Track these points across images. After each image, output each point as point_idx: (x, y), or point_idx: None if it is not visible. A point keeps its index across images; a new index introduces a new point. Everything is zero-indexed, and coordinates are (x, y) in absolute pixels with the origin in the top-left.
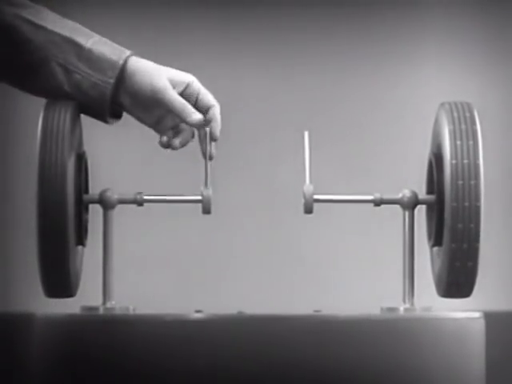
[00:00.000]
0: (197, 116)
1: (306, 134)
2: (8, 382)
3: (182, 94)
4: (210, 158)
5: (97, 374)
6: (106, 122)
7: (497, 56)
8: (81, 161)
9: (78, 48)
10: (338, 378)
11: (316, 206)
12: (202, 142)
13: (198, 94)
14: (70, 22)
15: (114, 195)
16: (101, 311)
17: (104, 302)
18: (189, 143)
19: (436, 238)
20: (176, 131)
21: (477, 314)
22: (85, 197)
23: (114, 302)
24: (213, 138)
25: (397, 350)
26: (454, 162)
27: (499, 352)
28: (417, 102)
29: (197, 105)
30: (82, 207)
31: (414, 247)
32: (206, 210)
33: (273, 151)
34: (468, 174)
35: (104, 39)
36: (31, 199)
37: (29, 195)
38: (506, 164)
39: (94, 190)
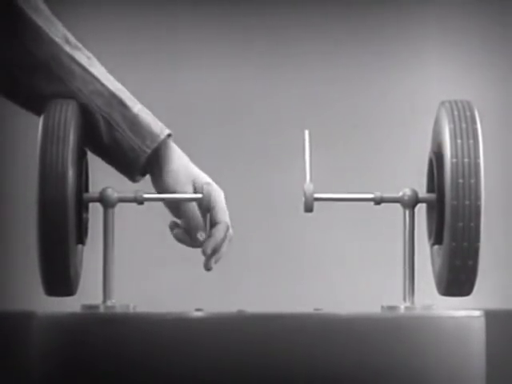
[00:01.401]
0: (201, 236)
1: (307, 132)
2: (8, 381)
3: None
4: (207, 269)
5: (97, 372)
6: (132, 181)
7: (497, 55)
8: (81, 160)
9: (124, 109)
10: (338, 376)
11: (316, 204)
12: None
13: (213, 208)
14: (114, 80)
15: (114, 194)
16: (101, 310)
17: (104, 301)
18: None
19: (436, 237)
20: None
21: (477, 313)
22: (85, 195)
23: (114, 301)
24: (203, 253)
25: (397, 349)
26: (454, 160)
27: (499, 351)
28: (417, 101)
29: (210, 216)
30: (82, 206)
31: (414, 246)
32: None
33: (273, 150)
34: (468, 173)
35: (146, 110)
36: (31, 198)
37: (29, 194)
38: (506, 163)
39: (94, 188)
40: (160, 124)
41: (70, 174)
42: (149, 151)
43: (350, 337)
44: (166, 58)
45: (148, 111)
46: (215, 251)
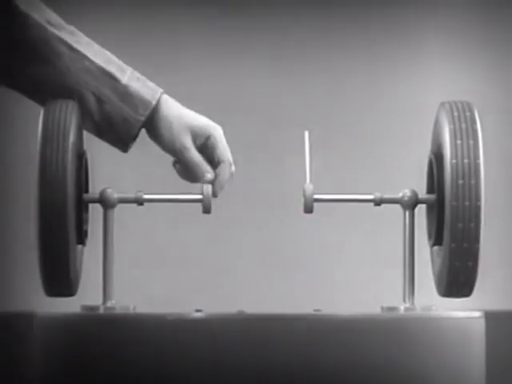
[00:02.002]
0: (207, 177)
1: (307, 133)
2: (8, 381)
3: (202, 144)
4: (214, 195)
5: (97, 373)
6: (124, 151)
7: (497, 55)
8: (81, 160)
9: (113, 81)
10: (338, 377)
11: (316, 205)
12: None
13: (215, 148)
14: (102, 50)
15: (114, 194)
16: (101, 310)
17: (104, 302)
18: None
19: (436, 238)
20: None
21: (477, 314)
22: (85, 196)
23: (114, 302)
24: (213, 195)
25: (397, 350)
26: (454, 161)
27: (499, 352)
28: (417, 102)
29: (213, 155)
30: (82, 206)
31: (414, 247)
32: (207, 210)
33: (273, 151)
34: (468, 174)
35: (136, 74)
36: (32, 198)
37: (29, 194)
38: (506, 163)
39: (94, 189)
40: (151, 87)
41: (70, 174)
42: (142, 119)
43: (349, 337)
44: (166, 57)
45: (138, 75)
46: (222, 189)
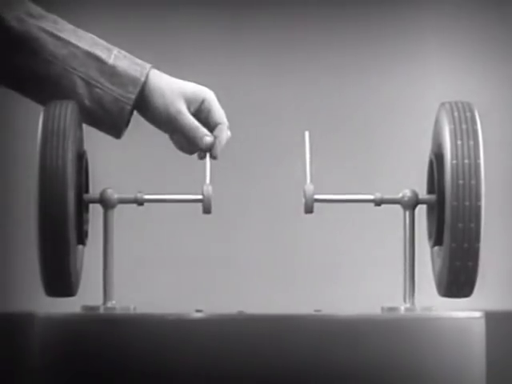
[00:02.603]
0: (206, 140)
1: (307, 133)
2: (9, 381)
3: (196, 110)
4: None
5: (97, 373)
6: (118, 137)
7: (498, 56)
8: (81, 161)
9: (100, 63)
10: (338, 377)
11: (316, 205)
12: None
13: (209, 111)
14: (87, 35)
15: (114, 195)
16: (101, 311)
17: (104, 302)
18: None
19: (436, 238)
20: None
21: (477, 314)
22: (85, 196)
23: (114, 302)
24: (212, 157)
25: (397, 350)
26: (454, 161)
27: (499, 352)
28: (417, 102)
29: (208, 119)
30: (82, 207)
31: (414, 247)
32: (207, 210)
33: (273, 151)
34: (469, 174)
35: (123, 52)
36: (31, 199)
37: (29, 194)
38: (506, 164)
39: (94, 189)
40: (139, 63)
41: (70, 174)
42: (133, 97)
43: (350, 338)
44: (166, 57)
45: (125, 53)
46: (221, 151)
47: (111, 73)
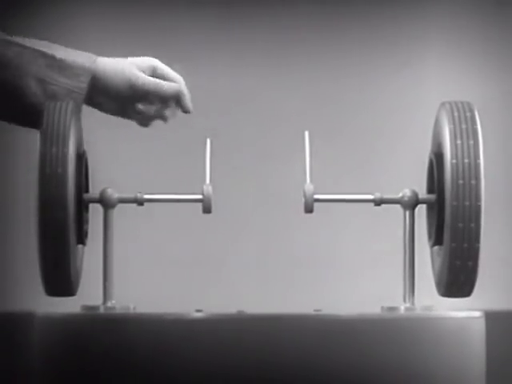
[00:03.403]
0: (172, 86)
1: (307, 133)
2: (8, 381)
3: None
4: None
5: (97, 372)
6: None
7: (498, 56)
8: (81, 160)
9: (49, 59)
10: (338, 377)
11: (316, 205)
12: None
13: (164, 75)
14: (35, 40)
15: (114, 194)
16: (101, 310)
17: (104, 302)
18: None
19: (436, 238)
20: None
21: (477, 314)
22: (85, 196)
23: (114, 302)
24: (186, 111)
25: (397, 349)
26: (454, 161)
27: (499, 352)
28: (417, 102)
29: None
30: (82, 206)
31: (414, 247)
32: (207, 210)
33: (273, 151)
34: (468, 174)
35: (69, 49)
36: (32, 198)
37: (29, 194)
38: (506, 163)
39: (94, 189)
40: (86, 54)
41: (70, 174)
42: (85, 85)
43: (349, 338)
44: (166, 57)
45: (71, 50)
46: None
47: (61, 67)
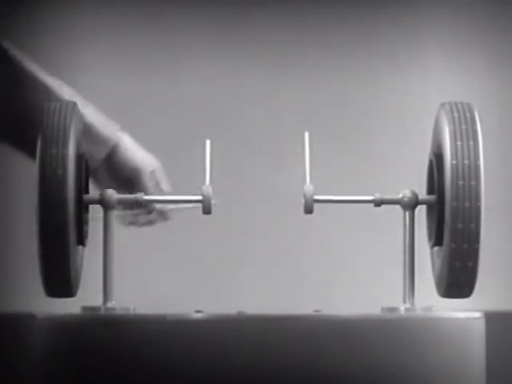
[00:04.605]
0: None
1: (307, 134)
2: (9, 382)
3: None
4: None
5: (97, 374)
6: None
7: (498, 56)
8: (81, 161)
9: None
10: (338, 378)
11: (316, 206)
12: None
13: (161, 181)
14: (70, 90)
15: (114, 195)
16: (101, 311)
17: (104, 302)
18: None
19: (436, 238)
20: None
21: (477, 314)
22: (85, 197)
23: (114, 302)
24: (166, 220)
25: (397, 350)
26: (454, 162)
27: (499, 352)
28: (417, 102)
29: (157, 187)
30: (82, 207)
31: (414, 247)
32: (207, 210)
33: (273, 151)
34: (468, 175)
35: (97, 111)
36: (32, 199)
37: (29, 195)
38: (506, 164)
39: (94, 190)
40: (111, 125)
41: (70, 175)
42: (102, 156)
43: (349, 338)
44: (166, 57)
45: (98, 112)
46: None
47: (86, 130)
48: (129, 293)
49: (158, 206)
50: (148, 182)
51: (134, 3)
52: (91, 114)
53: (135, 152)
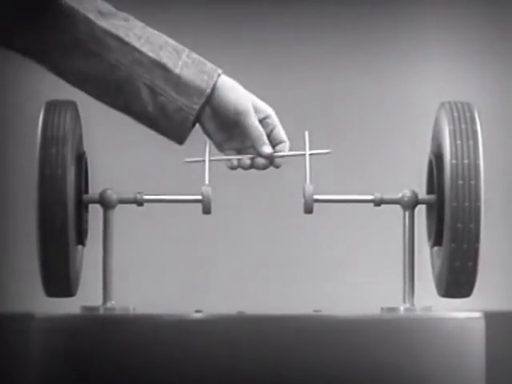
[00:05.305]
0: (268, 149)
1: (307, 133)
2: (8, 381)
3: (260, 122)
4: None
5: (97, 373)
6: (180, 143)
7: (497, 56)
8: (81, 161)
9: (166, 72)
10: (338, 377)
11: (316, 205)
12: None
13: (274, 127)
14: (155, 37)
15: (113, 195)
16: (101, 311)
17: (104, 302)
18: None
19: (436, 238)
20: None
21: (477, 314)
22: (85, 197)
23: (113, 302)
24: (277, 166)
25: (397, 350)
26: (454, 161)
27: (499, 352)
28: (417, 102)
29: (270, 137)
30: (82, 207)
31: (414, 247)
32: (206, 210)
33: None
34: (468, 174)
35: (193, 56)
36: (31, 199)
37: (29, 195)
38: (506, 164)
39: (94, 189)
40: (207, 71)
41: (70, 175)
42: (197, 107)
43: (349, 338)
44: None
45: (194, 57)
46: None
47: (177, 83)
48: (128, 293)
49: (266, 150)
50: (254, 125)
51: (134, 3)
52: (182, 64)
53: (235, 95)
